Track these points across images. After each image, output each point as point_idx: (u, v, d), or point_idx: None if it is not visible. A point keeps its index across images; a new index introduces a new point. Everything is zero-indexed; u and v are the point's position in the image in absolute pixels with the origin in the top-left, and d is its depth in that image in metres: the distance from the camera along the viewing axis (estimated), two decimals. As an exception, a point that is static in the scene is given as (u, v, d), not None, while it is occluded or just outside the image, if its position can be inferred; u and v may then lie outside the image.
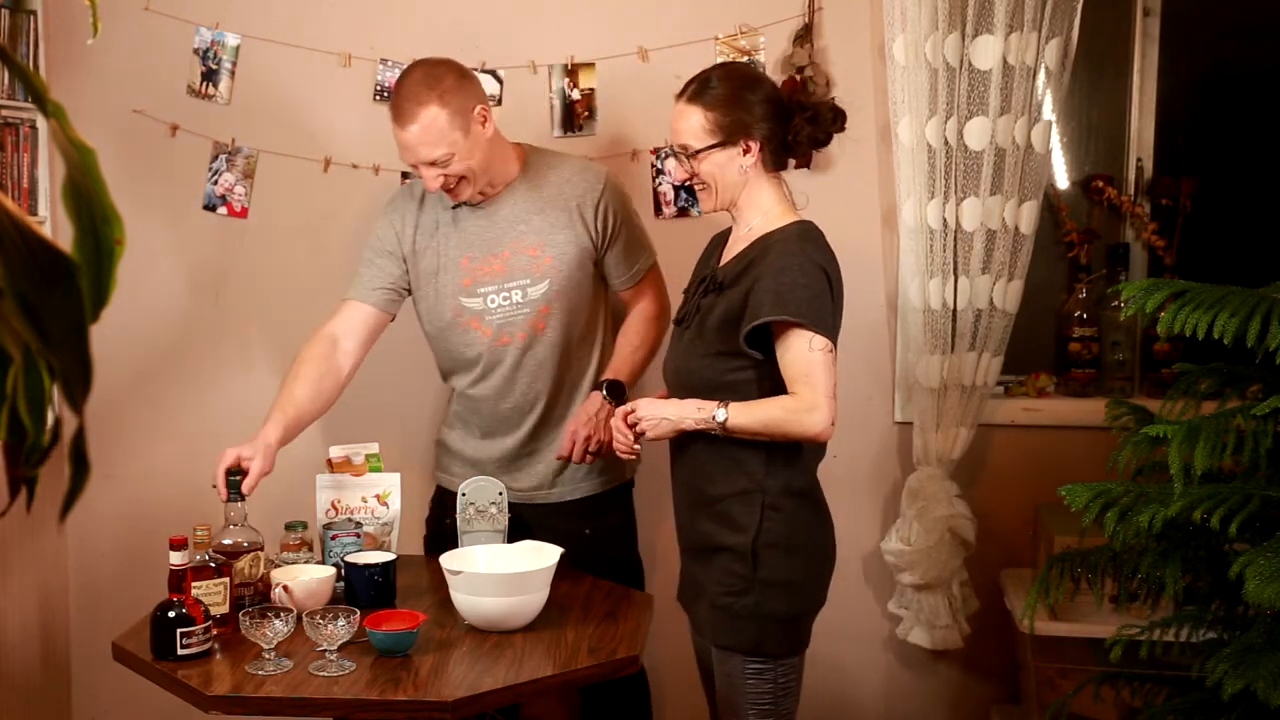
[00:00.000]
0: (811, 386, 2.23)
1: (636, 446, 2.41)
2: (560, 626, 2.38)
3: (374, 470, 2.73)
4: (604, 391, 2.72)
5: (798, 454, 2.33)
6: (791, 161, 2.43)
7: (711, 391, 2.31)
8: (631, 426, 2.38)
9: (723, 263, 2.40)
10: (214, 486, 2.53)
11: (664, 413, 2.34)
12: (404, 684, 2.13)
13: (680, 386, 2.39)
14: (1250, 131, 3.40)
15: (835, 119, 2.37)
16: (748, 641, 2.32)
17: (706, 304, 2.36)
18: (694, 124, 2.33)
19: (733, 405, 2.26)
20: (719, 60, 3.18)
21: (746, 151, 2.32)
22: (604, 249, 2.79)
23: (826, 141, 2.40)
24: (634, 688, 2.92)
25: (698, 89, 2.35)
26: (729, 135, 2.31)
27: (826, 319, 2.27)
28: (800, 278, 2.25)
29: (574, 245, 2.74)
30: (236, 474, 2.51)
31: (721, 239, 2.50)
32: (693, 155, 2.34)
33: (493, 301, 2.74)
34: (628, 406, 2.41)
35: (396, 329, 3.15)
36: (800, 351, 2.24)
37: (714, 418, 2.27)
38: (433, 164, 2.62)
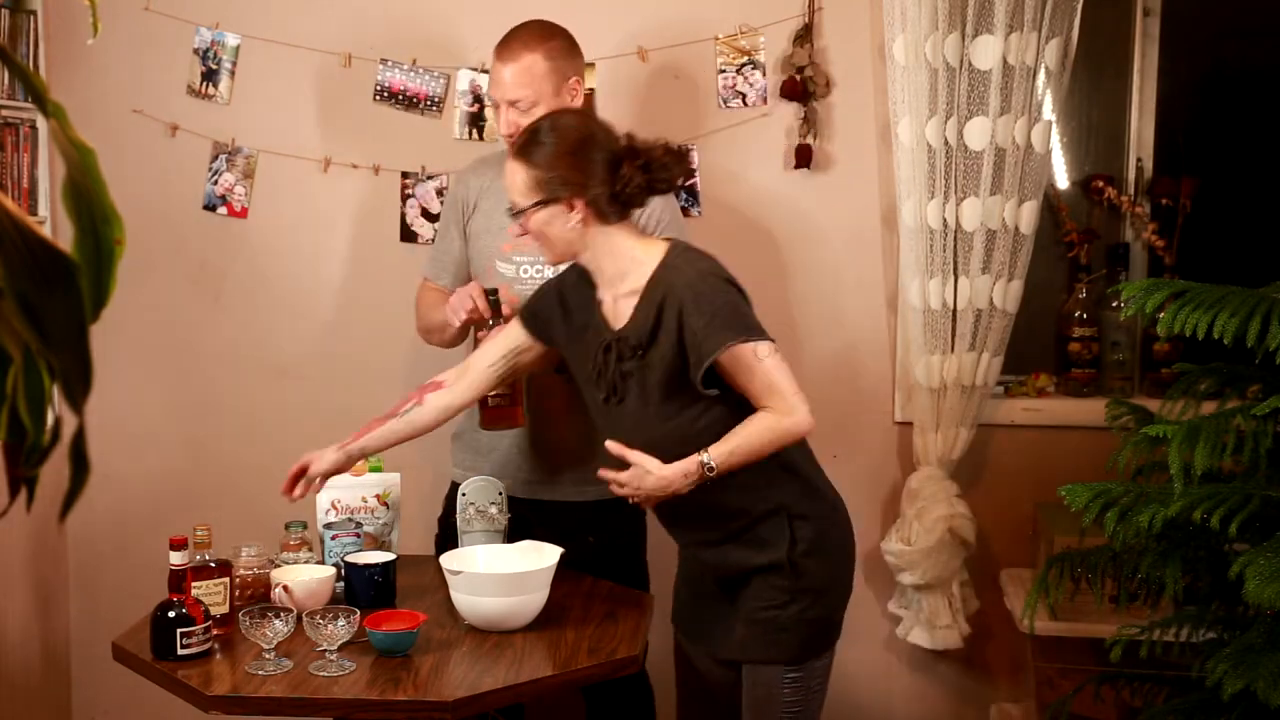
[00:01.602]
0: (778, 393, 2.24)
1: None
2: (560, 626, 2.38)
3: (374, 470, 2.72)
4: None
5: (799, 454, 2.33)
6: (639, 210, 2.34)
7: (686, 445, 2.25)
8: (629, 497, 2.31)
9: (618, 324, 2.31)
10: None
11: (649, 490, 2.26)
12: (404, 684, 2.13)
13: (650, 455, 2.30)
14: (1250, 131, 3.40)
15: (675, 163, 2.27)
16: (792, 650, 2.32)
17: (630, 370, 2.29)
18: (518, 181, 2.27)
19: (713, 449, 2.22)
20: (719, 59, 3.18)
21: (571, 209, 2.25)
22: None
23: (668, 188, 2.32)
24: (636, 689, 2.91)
25: (524, 144, 2.28)
26: (551, 193, 2.25)
27: (755, 323, 2.26)
28: (716, 299, 2.23)
29: None
30: (494, 293, 2.61)
31: (578, 287, 2.39)
32: (519, 212, 2.29)
33: (525, 271, 2.78)
34: (620, 478, 2.29)
35: (396, 328, 3.15)
36: (753, 367, 2.22)
37: (703, 469, 2.23)
38: (513, 104, 2.67)
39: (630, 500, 2.32)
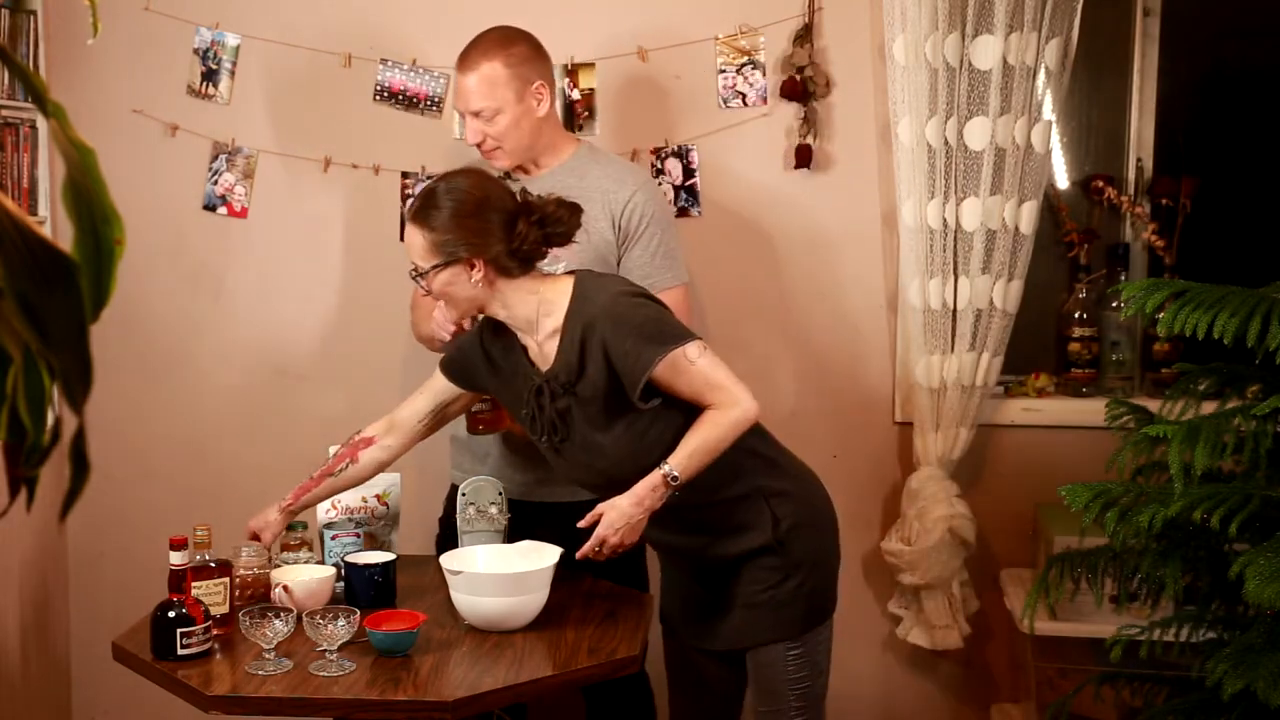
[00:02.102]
0: (719, 387, 2.26)
1: (625, 548, 2.33)
2: (560, 626, 2.38)
3: (375, 469, 2.72)
4: None
5: (754, 437, 2.34)
6: (550, 252, 2.35)
7: (643, 460, 2.27)
8: (614, 551, 2.30)
9: (545, 366, 2.33)
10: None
11: (628, 514, 2.26)
12: (404, 684, 2.13)
13: (610, 483, 2.32)
14: (1250, 131, 3.40)
15: (568, 215, 2.30)
16: (795, 625, 2.37)
17: (565, 406, 2.31)
18: (417, 244, 2.29)
19: (672, 459, 2.24)
20: (719, 59, 3.18)
21: (472, 268, 2.27)
22: (624, 247, 2.79)
23: (565, 240, 2.32)
24: (636, 689, 2.91)
25: (419, 208, 2.30)
26: (451, 255, 2.26)
27: (678, 328, 2.29)
28: (635, 316, 2.26)
29: (598, 235, 2.77)
30: None
31: (498, 335, 2.41)
32: (420, 275, 2.31)
33: None
34: (593, 545, 2.29)
35: (396, 329, 3.15)
36: (688, 370, 2.25)
37: (667, 481, 2.24)
38: (476, 115, 2.70)
39: (617, 549, 2.30)
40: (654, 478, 2.25)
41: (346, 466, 2.54)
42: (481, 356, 2.45)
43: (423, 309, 2.86)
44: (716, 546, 2.39)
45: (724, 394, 2.26)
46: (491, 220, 2.27)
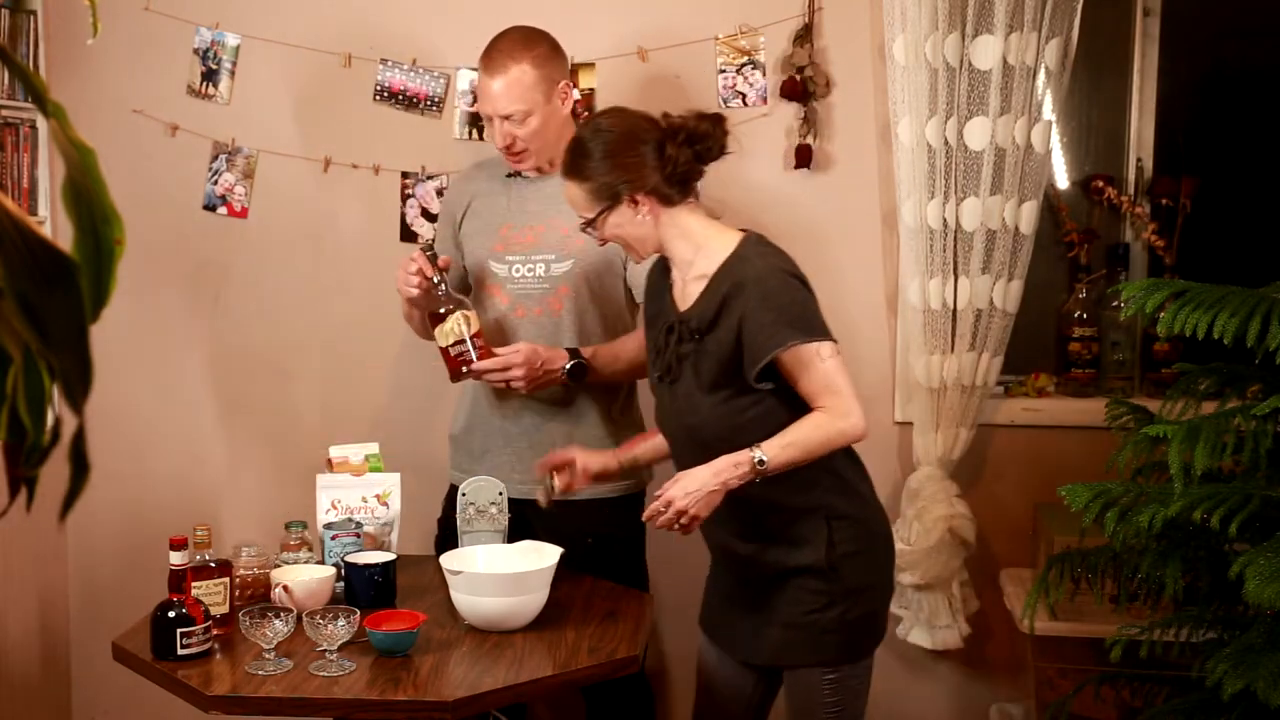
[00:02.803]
0: (837, 393, 2.23)
1: (692, 526, 2.26)
2: (560, 626, 2.38)
3: (374, 470, 2.73)
4: (565, 369, 2.70)
5: (840, 456, 2.32)
6: (698, 186, 2.36)
7: (731, 435, 2.25)
8: (678, 519, 2.23)
9: (684, 306, 2.34)
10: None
11: (702, 484, 2.22)
12: (404, 684, 2.13)
13: (693, 441, 2.32)
14: (1250, 131, 3.40)
15: (713, 127, 2.29)
16: (834, 652, 2.32)
17: (687, 352, 2.31)
18: (576, 197, 2.33)
19: (765, 445, 2.20)
20: (719, 59, 3.18)
21: (636, 205, 2.29)
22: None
23: (719, 153, 2.33)
24: (636, 689, 2.91)
25: (570, 161, 2.33)
26: (611, 199, 2.29)
27: (822, 323, 2.27)
28: (784, 297, 2.24)
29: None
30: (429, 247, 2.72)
31: (660, 276, 2.44)
32: (590, 225, 2.34)
33: (517, 271, 2.79)
34: (659, 505, 2.24)
35: (396, 329, 3.15)
36: (814, 366, 2.23)
37: (754, 464, 2.19)
38: (507, 118, 2.69)
39: (680, 520, 2.23)
40: (741, 455, 2.20)
41: None
42: (654, 291, 2.47)
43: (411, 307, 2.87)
44: (768, 555, 2.34)
45: (840, 402, 2.23)
46: (642, 152, 2.28)
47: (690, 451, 2.32)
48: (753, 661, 2.44)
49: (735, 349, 2.24)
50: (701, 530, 2.39)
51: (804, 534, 2.31)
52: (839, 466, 2.33)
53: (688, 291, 2.34)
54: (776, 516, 2.32)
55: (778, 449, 2.21)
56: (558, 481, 2.54)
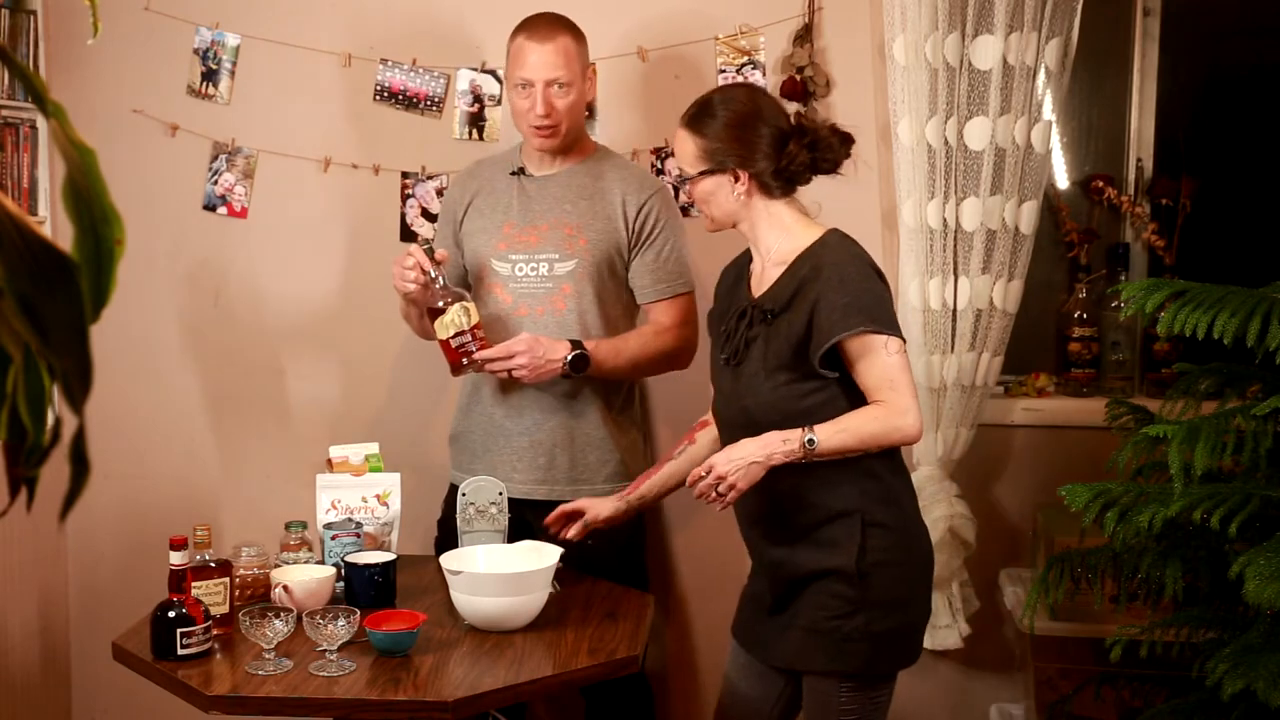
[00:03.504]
0: (898, 390, 2.21)
1: (730, 497, 2.23)
2: (560, 626, 2.38)
3: (374, 470, 2.73)
4: (567, 359, 2.69)
5: (884, 463, 2.29)
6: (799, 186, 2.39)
7: (787, 421, 2.22)
8: (715, 487, 2.22)
9: (759, 292, 2.35)
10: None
11: (747, 455, 2.20)
12: (404, 684, 2.13)
13: (749, 424, 2.28)
14: (1250, 131, 3.40)
15: (840, 144, 2.32)
16: (856, 663, 2.27)
17: (756, 334, 2.30)
18: (687, 150, 2.33)
19: (819, 427, 2.19)
20: (719, 59, 3.18)
21: (737, 180, 2.30)
22: (634, 251, 2.80)
23: (832, 168, 2.34)
24: (636, 689, 2.91)
25: (695, 115, 2.34)
26: (719, 164, 2.31)
27: (894, 320, 2.27)
28: (861, 284, 2.24)
29: (609, 238, 2.78)
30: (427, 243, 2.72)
31: (739, 270, 2.45)
32: (686, 179, 2.36)
33: (520, 270, 2.80)
34: (701, 470, 2.25)
35: (396, 329, 3.15)
36: (879, 358, 2.21)
37: (804, 444, 2.18)
38: (551, 83, 2.71)
39: (720, 487, 2.21)
40: (792, 433, 2.19)
41: (685, 448, 2.56)
42: (729, 282, 2.48)
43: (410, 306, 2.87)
44: (798, 556, 2.31)
45: (899, 398, 2.21)
46: (762, 135, 2.30)
47: (743, 436, 2.26)
48: (772, 663, 2.39)
49: (806, 331, 2.23)
50: (743, 531, 2.41)
51: (836, 536, 2.27)
52: (881, 472, 2.29)
53: (766, 276, 2.35)
54: (811, 514, 2.28)
55: (831, 432, 2.19)
56: (571, 531, 2.56)
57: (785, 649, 2.34)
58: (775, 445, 2.20)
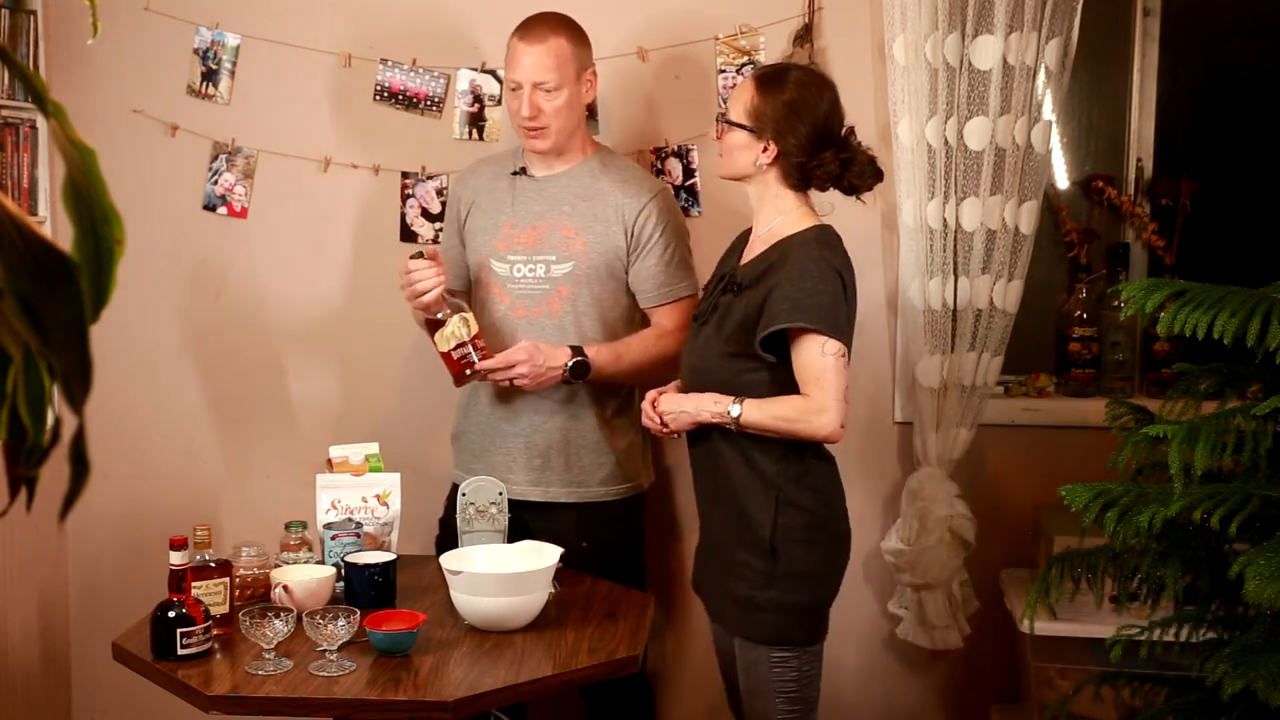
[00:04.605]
0: (822, 389, 2.31)
1: (664, 430, 2.48)
2: (560, 626, 2.38)
3: (374, 470, 2.73)
4: (567, 366, 2.70)
5: (811, 447, 2.39)
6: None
7: (723, 389, 2.38)
8: (658, 419, 2.47)
9: (743, 262, 2.46)
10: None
11: (683, 406, 2.42)
12: (404, 684, 2.13)
13: (695, 384, 2.45)
14: (1250, 131, 3.40)
15: (871, 175, 2.42)
16: (772, 633, 2.38)
17: (724, 303, 2.43)
18: (741, 99, 2.41)
19: (747, 401, 2.33)
20: (719, 59, 3.18)
21: (765, 150, 2.38)
22: (635, 255, 2.79)
23: (853, 192, 2.44)
24: (636, 689, 2.91)
25: (767, 76, 2.43)
26: (758, 128, 2.38)
27: (840, 324, 2.34)
28: (818, 284, 2.32)
29: (608, 240, 2.78)
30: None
31: (744, 238, 2.55)
32: (724, 120, 2.44)
33: (518, 271, 2.80)
34: (653, 393, 2.50)
35: (398, 329, 3.15)
36: (813, 355, 2.31)
37: (728, 412, 2.34)
38: (537, 86, 2.71)
39: (659, 422, 2.46)
40: (723, 399, 2.36)
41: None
42: (734, 245, 2.59)
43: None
44: (720, 517, 2.45)
45: (821, 396, 2.31)
46: (807, 124, 2.38)
47: (691, 390, 2.46)
48: (712, 617, 2.55)
49: (758, 313, 2.34)
50: (691, 467, 2.55)
51: (750, 508, 2.38)
52: (810, 462, 2.41)
53: (752, 250, 2.46)
54: (730, 484, 2.41)
55: (752, 409, 2.33)
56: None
57: (722, 612, 2.49)
58: (707, 405, 2.39)
